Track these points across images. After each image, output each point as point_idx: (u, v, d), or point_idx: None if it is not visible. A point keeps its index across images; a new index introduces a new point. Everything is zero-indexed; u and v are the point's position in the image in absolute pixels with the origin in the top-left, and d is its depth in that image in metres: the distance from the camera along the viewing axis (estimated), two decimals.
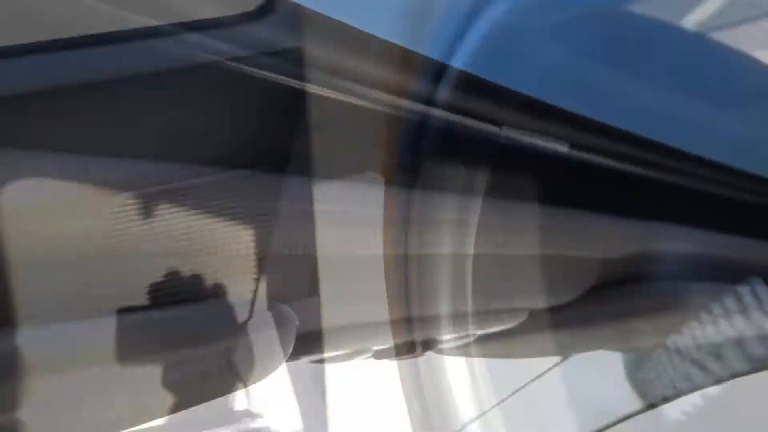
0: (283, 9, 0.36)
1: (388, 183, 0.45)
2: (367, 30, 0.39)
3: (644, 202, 0.74)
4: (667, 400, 1.35)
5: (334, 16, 0.37)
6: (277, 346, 0.35)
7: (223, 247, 0.35)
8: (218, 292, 0.38)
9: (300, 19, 0.37)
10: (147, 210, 0.31)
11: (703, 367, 1.24)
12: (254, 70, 0.37)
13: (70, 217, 0.28)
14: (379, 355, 0.60)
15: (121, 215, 0.29)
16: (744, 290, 0.80)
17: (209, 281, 0.37)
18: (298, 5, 0.36)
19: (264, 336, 0.34)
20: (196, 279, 0.36)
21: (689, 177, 0.74)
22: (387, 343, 0.58)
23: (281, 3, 0.36)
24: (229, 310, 0.33)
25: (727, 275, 0.83)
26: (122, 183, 0.29)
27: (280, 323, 0.35)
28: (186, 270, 0.35)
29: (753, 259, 0.84)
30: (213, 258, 0.36)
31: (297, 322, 0.37)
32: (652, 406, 1.39)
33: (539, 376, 1.55)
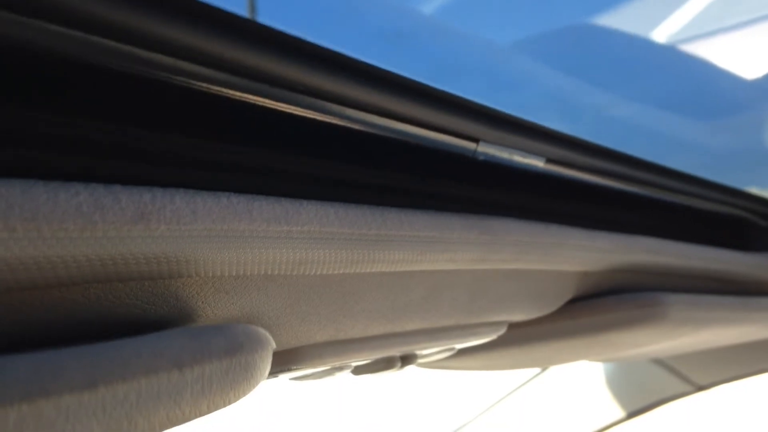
0: None
1: (364, 201, 0.45)
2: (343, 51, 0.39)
3: (621, 215, 0.75)
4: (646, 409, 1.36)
5: (312, 38, 0.37)
6: (253, 371, 0.34)
7: (197, 270, 0.35)
8: (193, 317, 0.37)
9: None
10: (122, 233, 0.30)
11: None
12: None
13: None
14: (358, 370, 0.60)
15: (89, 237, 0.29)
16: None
17: (183, 305, 0.36)
18: None
19: (239, 360, 0.33)
20: (170, 304, 0.36)
21: (665, 190, 0.75)
22: (366, 358, 0.58)
23: None
24: (203, 335, 0.32)
25: (703, 285, 0.84)
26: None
27: (256, 347, 0.35)
28: (159, 294, 0.35)
29: (729, 269, 0.85)
30: (187, 281, 0.36)
31: (273, 345, 0.37)
32: (632, 415, 1.40)
33: (517, 388, 1.56)
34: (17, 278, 0.28)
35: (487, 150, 0.52)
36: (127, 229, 0.30)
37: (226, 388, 0.32)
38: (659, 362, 1.26)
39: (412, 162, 0.51)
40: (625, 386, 1.37)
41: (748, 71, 1.35)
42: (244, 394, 0.34)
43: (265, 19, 0.37)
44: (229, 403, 0.34)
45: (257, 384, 0.35)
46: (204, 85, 0.36)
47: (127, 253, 0.31)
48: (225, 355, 0.32)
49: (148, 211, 0.31)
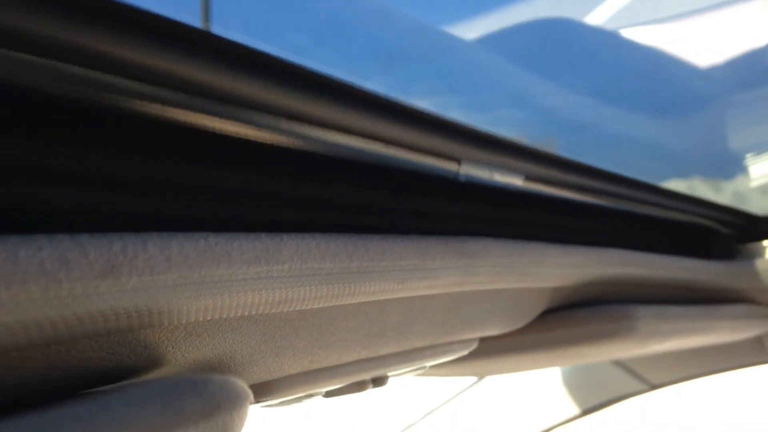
0: None
1: (347, 226, 0.42)
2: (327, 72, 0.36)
3: (594, 228, 0.74)
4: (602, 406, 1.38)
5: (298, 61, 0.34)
6: (234, 428, 0.31)
7: (170, 320, 0.32)
8: (162, 363, 0.34)
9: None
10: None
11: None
12: None
13: None
14: (329, 394, 0.58)
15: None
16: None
17: (152, 353, 0.33)
18: None
19: (216, 423, 0.30)
20: (138, 352, 0.32)
21: (634, 201, 0.75)
22: (338, 384, 0.55)
23: None
24: (177, 397, 0.29)
25: (669, 294, 0.84)
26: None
27: (234, 404, 0.32)
28: (126, 344, 0.32)
29: (694, 278, 0.85)
30: (157, 329, 0.33)
31: (251, 398, 0.34)
32: (586, 412, 1.41)
33: (471, 385, 1.56)
34: None
35: (468, 170, 0.50)
36: (95, 286, 0.27)
37: None
38: (616, 361, 1.27)
39: (396, 184, 0.48)
40: (581, 384, 1.39)
41: (704, 61, 1.36)
42: None
43: (244, 39, 0.33)
44: None
45: None
46: (175, 110, 0.32)
47: (94, 310, 0.27)
48: (201, 420, 0.29)
49: (118, 263, 0.27)
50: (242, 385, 0.33)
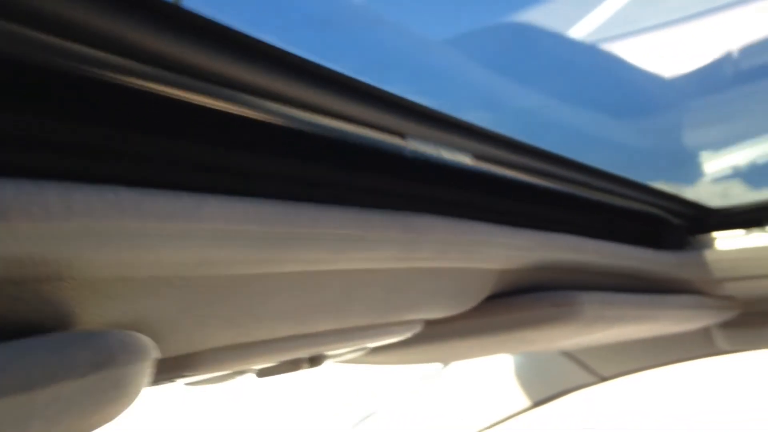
0: None
1: (285, 197, 0.40)
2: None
3: (544, 212, 0.74)
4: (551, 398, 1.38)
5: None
6: (125, 386, 0.30)
7: (70, 273, 0.30)
8: (66, 324, 0.32)
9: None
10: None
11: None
12: None
13: None
14: (263, 373, 0.56)
15: None
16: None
17: (54, 311, 0.31)
18: None
19: (107, 375, 0.28)
20: (38, 309, 0.30)
21: (586, 187, 0.74)
22: (271, 361, 0.53)
23: None
24: (67, 347, 0.27)
25: (617, 282, 0.84)
26: None
27: (131, 358, 0.30)
28: (24, 299, 0.29)
29: (642, 267, 0.85)
30: (59, 284, 0.30)
31: (156, 354, 0.32)
32: (537, 404, 1.42)
33: (426, 377, 1.55)
34: None
35: (414, 145, 0.49)
36: None
37: (89, 410, 0.28)
38: (567, 354, 1.28)
39: (338, 156, 0.47)
40: (533, 376, 1.39)
41: (667, 71, 1.38)
42: (116, 414, 0.30)
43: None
44: (96, 427, 0.29)
45: (131, 401, 0.31)
46: (105, 71, 0.31)
47: None
48: (90, 371, 0.27)
49: (7, 207, 0.25)
50: (146, 340, 0.31)
